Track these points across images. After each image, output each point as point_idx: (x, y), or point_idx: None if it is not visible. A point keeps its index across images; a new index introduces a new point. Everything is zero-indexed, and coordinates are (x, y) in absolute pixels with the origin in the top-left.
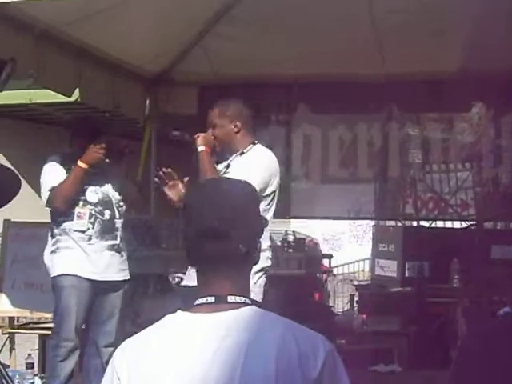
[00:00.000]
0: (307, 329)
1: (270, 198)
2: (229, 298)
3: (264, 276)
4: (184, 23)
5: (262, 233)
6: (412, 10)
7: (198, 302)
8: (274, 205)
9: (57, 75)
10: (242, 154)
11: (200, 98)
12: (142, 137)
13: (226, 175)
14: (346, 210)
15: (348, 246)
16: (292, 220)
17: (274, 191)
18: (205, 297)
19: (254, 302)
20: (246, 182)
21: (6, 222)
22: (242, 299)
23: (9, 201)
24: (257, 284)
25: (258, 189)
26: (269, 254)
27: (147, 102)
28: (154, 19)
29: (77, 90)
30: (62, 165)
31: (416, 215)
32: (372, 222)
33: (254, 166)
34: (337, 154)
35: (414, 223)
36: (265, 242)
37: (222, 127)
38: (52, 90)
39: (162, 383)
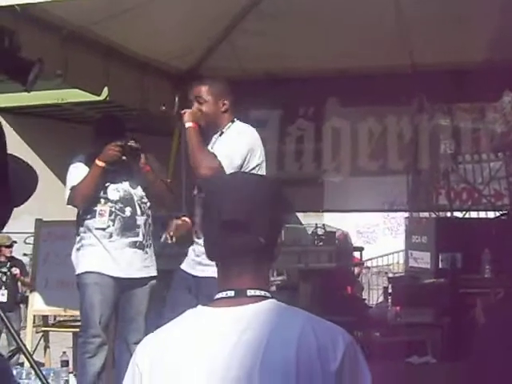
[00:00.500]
0: (326, 321)
1: (255, 172)
2: (248, 291)
3: None
4: (211, 19)
5: (282, 228)
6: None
7: (217, 296)
8: None
9: (85, 74)
10: (222, 134)
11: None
12: (171, 133)
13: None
14: (379, 202)
15: (382, 238)
16: (325, 213)
17: (259, 164)
18: (224, 291)
19: (273, 296)
20: (265, 177)
21: (38, 221)
22: (262, 293)
23: (29, 197)
24: None
25: (237, 164)
26: None
27: (176, 99)
28: (181, 16)
29: (105, 89)
30: (86, 164)
31: (450, 206)
32: (405, 214)
33: (232, 143)
34: (366, 146)
35: (448, 214)
36: None
37: (210, 104)
38: (80, 89)
39: (184, 377)
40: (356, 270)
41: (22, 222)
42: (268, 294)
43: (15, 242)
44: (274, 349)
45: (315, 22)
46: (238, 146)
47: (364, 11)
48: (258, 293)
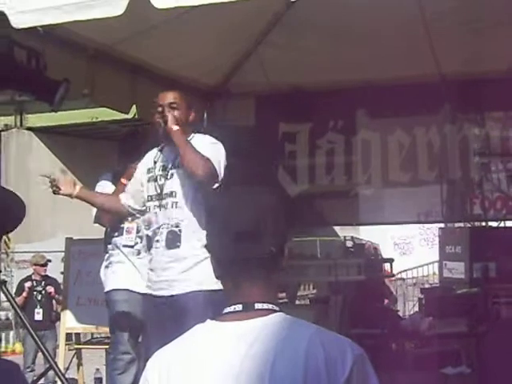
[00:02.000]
0: (335, 334)
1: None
2: (256, 305)
3: None
4: (237, 34)
5: (288, 239)
6: (460, 9)
7: (226, 310)
8: None
9: (112, 93)
10: None
11: (257, 109)
12: None
13: (178, 163)
14: (414, 213)
15: (419, 249)
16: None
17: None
18: (233, 305)
19: (281, 309)
20: (272, 188)
21: (68, 240)
22: (270, 306)
23: (17, 225)
24: None
25: (220, 172)
26: None
27: (205, 115)
28: (207, 32)
29: (133, 107)
30: (112, 182)
31: (484, 216)
32: (441, 225)
33: (213, 151)
34: (397, 157)
35: (483, 223)
36: None
37: (181, 111)
38: (108, 108)
39: None
40: (387, 281)
41: (58, 240)
42: (276, 308)
43: (49, 260)
44: (282, 362)
45: (340, 35)
46: (220, 155)
47: (389, 21)
48: (265, 306)
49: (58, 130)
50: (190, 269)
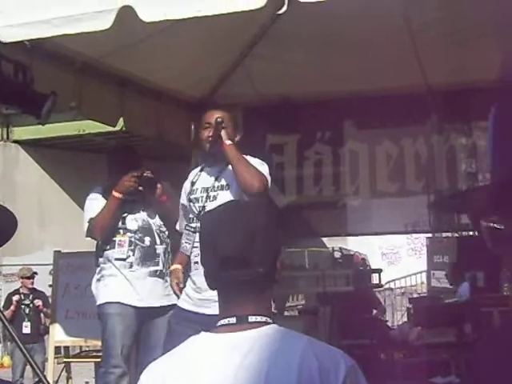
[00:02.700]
0: (327, 345)
1: None
2: (250, 318)
3: None
4: (224, 46)
5: (281, 252)
6: (444, 20)
7: (220, 323)
8: None
9: (99, 106)
10: (227, 164)
11: (244, 120)
12: (189, 159)
13: (220, 185)
14: (402, 224)
15: (407, 259)
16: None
17: None
18: (226, 318)
19: (275, 321)
20: (260, 202)
21: (56, 253)
22: (263, 318)
23: (7, 241)
24: None
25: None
26: None
27: (192, 127)
28: (194, 45)
29: (121, 119)
30: (103, 196)
31: (472, 226)
32: (429, 235)
33: (262, 170)
34: (384, 168)
35: (470, 233)
36: None
37: (229, 132)
38: (95, 121)
39: None
40: (375, 291)
41: (46, 253)
42: (269, 320)
43: (36, 273)
44: (275, 373)
45: (327, 45)
46: (267, 175)
47: (375, 33)
48: (259, 319)
49: (44, 143)
50: None
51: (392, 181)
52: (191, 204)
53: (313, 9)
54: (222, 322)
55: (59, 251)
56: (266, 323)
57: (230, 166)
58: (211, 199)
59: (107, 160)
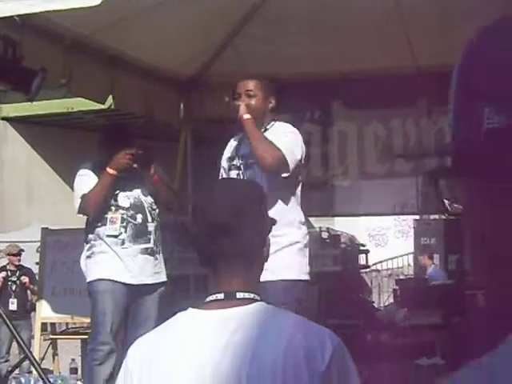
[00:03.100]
0: (315, 324)
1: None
2: (238, 294)
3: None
4: (214, 25)
5: (269, 231)
6: (436, 1)
7: (208, 299)
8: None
9: (89, 83)
10: (265, 130)
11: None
12: (178, 139)
13: None
14: (390, 205)
15: (394, 241)
16: (336, 217)
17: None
18: (214, 294)
19: (261, 299)
20: (252, 182)
21: (44, 230)
22: (251, 295)
23: None
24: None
25: (298, 159)
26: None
27: (181, 105)
28: (185, 23)
29: (110, 97)
30: (94, 172)
31: (459, 208)
32: (416, 217)
33: (291, 140)
34: (373, 149)
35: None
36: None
37: (259, 99)
38: (85, 98)
39: (173, 378)
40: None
41: (33, 230)
42: (257, 297)
43: (23, 250)
44: (262, 350)
45: (316, 26)
46: (297, 143)
47: (366, 14)
48: (247, 295)
49: (33, 120)
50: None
51: (381, 162)
52: (230, 172)
53: None
54: (210, 297)
55: (47, 228)
56: (255, 300)
57: (267, 133)
58: (248, 167)
59: (99, 137)
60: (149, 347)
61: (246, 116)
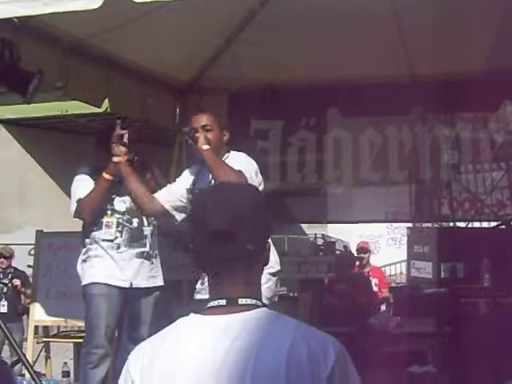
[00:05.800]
0: (317, 330)
1: None
2: (239, 300)
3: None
4: (211, 30)
5: (270, 234)
6: (434, 10)
7: (209, 305)
8: None
9: (85, 86)
10: None
11: (229, 105)
12: (173, 144)
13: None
14: (383, 213)
15: (386, 248)
16: (329, 224)
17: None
18: (216, 300)
19: (264, 304)
20: (250, 186)
21: (39, 232)
22: (253, 301)
23: None
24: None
25: (258, 183)
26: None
27: (177, 110)
28: (182, 27)
29: (106, 101)
30: (91, 176)
31: (452, 216)
32: (409, 225)
33: (246, 166)
34: (368, 157)
35: (450, 224)
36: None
37: (216, 133)
38: (81, 101)
39: (174, 383)
40: None
41: (26, 233)
42: (259, 303)
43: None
44: (264, 357)
45: (313, 32)
46: (253, 169)
47: (363, 21)
48: (249, 301)
49: (26, 123)
50: None
51: (375, 170)
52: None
53: None
54: (212, 303)
55: (41, 231)
56: (256, 306)
57: None
58: None
59: (95, 141)
60: (150, 352)
61: (206, 147)
